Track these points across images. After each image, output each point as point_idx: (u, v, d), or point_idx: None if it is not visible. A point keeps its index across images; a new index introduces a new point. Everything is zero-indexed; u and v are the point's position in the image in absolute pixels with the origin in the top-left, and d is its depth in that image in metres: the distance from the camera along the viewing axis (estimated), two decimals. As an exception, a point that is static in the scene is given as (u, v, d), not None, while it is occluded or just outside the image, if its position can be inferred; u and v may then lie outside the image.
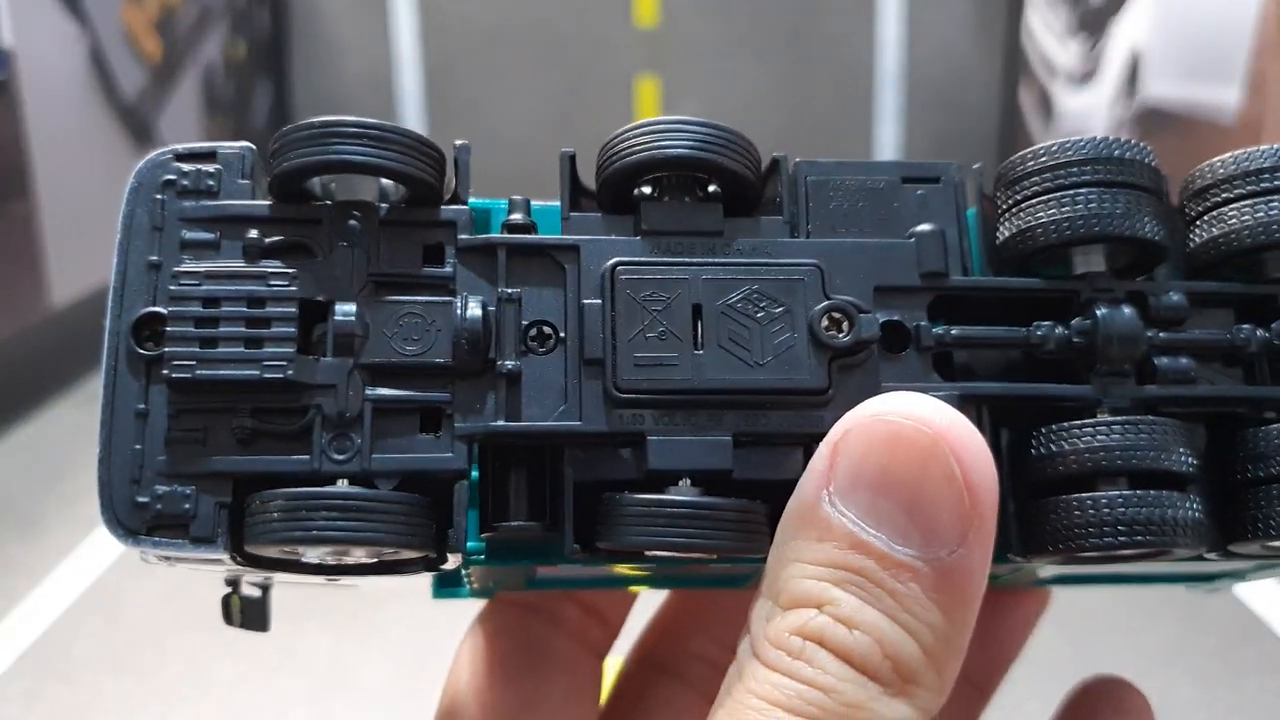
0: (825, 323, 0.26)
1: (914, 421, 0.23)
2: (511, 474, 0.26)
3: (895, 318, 0.27)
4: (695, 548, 0.24)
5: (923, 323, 0.27)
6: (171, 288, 0.26)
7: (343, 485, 0.25)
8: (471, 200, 0.28)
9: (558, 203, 0.28)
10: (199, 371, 0.25)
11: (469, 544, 0.26)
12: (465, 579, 0.33)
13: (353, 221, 0.27)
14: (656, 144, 0.27)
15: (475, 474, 0.26)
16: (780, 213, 0.28)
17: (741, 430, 0.26)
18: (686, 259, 0.27)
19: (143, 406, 0.26)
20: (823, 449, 0.23)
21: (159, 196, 0.27)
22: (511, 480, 0.26)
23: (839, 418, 0.24)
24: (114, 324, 0.26)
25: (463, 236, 0.27)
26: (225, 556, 0.26)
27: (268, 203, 0.27)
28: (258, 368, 0.25)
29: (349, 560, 0.26)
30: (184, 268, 0.26)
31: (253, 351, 0.25)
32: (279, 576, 0.28)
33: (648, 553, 0.25)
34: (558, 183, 0.28)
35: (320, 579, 0.28)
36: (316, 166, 0.26)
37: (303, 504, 0.24)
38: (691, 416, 0.26)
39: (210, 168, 0.27)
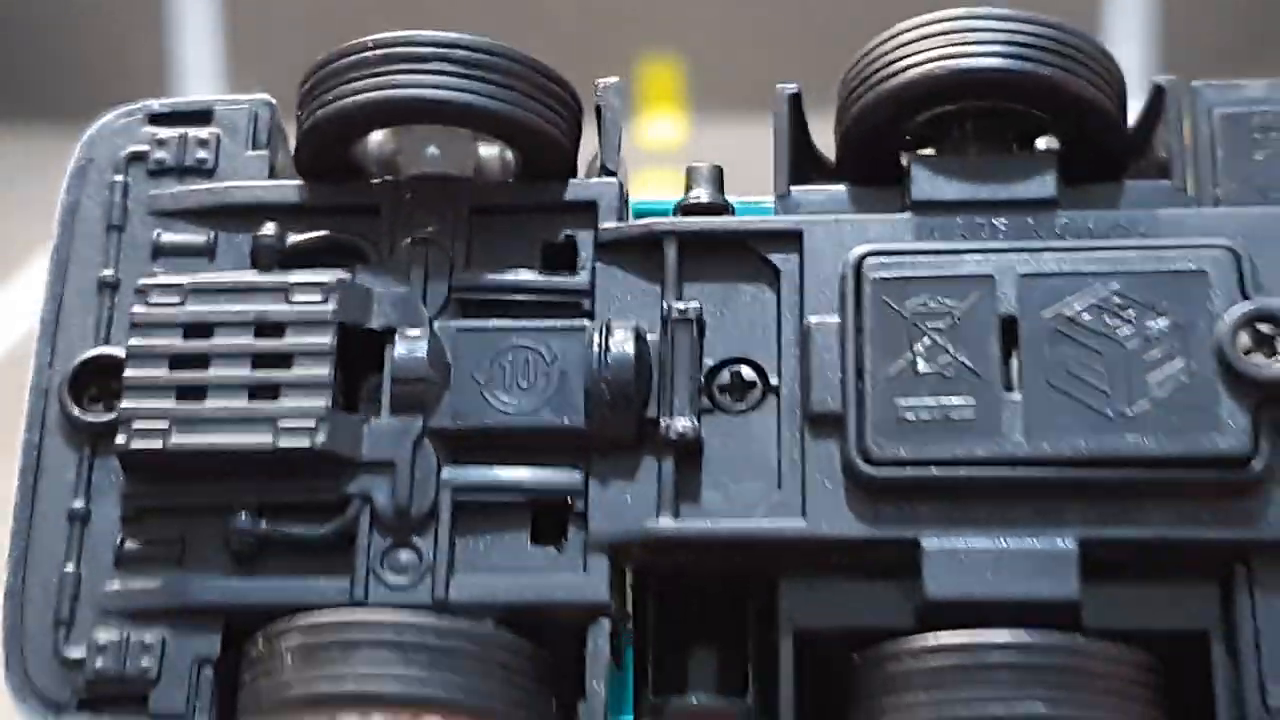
0: (1245, 341, 0.17)
1: None
2: (686, 616, 0.17)
3: None
4: None
5: None
6: (136, 310, 0.17)
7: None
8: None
9: (760, 199, 0.19)
10: (175, 439, 0.16)
11: None
12: None
13: (429, 211, 0.18)
14: (950, 53, 0.17)
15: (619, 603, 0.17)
16: (1167, 173, 0.18)
17: (1094, 535, 0.16)
18: (988, 245, 0.17)
19: (80, 505, 0.17)
20: None
21: (118, 178, 0.18)
22: (686, 627, 0.17)
23: None
24: (40, 376, 0.18)
25: (607, 225, 0.18)
26: None
27: (296, 183, 0.18)
28: (269, 431, 0.16)
29: None
30: (155, 279, 0.18)
31: (262, 406, 0.16)
32: None
33: None
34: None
35: None
36: (381, 110, 0.17)
37: (335, 639, 0.15)
38: (1005, 511, 0.16)
39: (203, 132, 0.19)
